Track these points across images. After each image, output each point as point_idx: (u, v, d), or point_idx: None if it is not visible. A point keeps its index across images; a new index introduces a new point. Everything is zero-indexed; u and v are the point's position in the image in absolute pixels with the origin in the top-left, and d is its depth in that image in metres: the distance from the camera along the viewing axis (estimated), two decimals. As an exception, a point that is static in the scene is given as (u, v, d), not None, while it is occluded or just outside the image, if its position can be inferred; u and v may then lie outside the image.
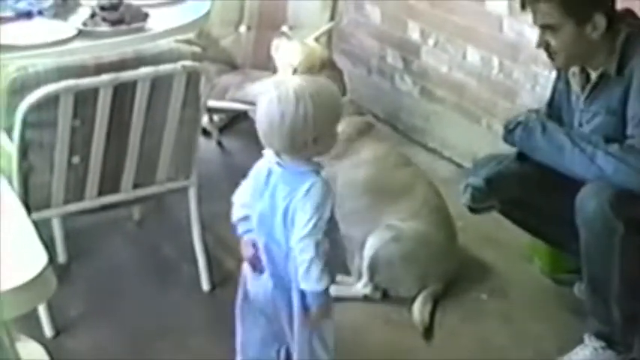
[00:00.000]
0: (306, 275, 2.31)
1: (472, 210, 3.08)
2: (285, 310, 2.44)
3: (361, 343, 3.03)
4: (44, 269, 1.76)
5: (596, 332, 2.83)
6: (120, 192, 3.10)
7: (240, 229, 2.51)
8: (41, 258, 1.79)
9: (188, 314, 3.16)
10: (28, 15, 3.43)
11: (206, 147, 3.86)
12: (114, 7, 3.38)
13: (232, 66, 4.30)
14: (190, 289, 3.29)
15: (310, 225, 2.27)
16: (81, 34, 3.30)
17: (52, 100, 2.76)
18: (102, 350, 3.01)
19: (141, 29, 3.37)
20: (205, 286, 3.29)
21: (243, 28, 4.34)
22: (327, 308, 2.43)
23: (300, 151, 2.31)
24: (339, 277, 3.25)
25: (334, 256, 2.42)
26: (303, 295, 2.38)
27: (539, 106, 3.20)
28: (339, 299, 3.17)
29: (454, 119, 4.36)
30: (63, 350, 2.98)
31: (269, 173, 2.37)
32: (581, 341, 2.87)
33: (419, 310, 3.17)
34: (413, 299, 3.20)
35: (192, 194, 3.23)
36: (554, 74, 3.08)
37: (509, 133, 2.95)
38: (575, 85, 2.90)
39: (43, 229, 2.03)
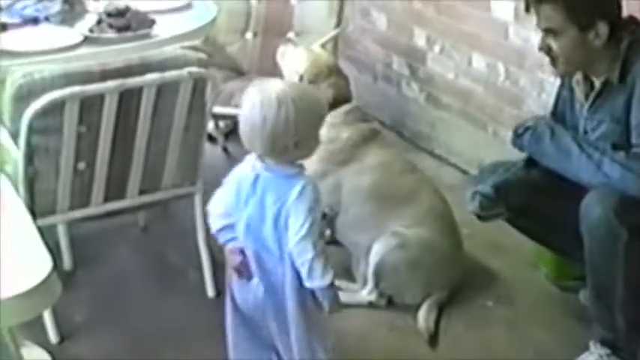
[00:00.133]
0: (311, 274, 2.34)
1: (480, 218, 3.07)
2: (276, 315, 2.47)
3: (366, 350, 3.03)
4: (49, 275, 1.77)
5: (601, 339, 2.83)
6: (125, 198, 3.11)
7: (222, 239, 2.52)
8: (46, 264, 1.79)
9: (193, 320, 3.15)
10: (34, 21, 3.44)
11: (212, 153, 3.86)
12: (120, 14, 3.39)
13: (238, 72, 4.30)
14: (195, 295, 3.29)
15: (306, 227, 2.31)
16: (87, 40, 3.31)
17: (57, 106, 2.77)
18: (107, 356, 3.01)
19: (147, 36, 3.38)
20: (210, 292, 3.29)
21: (249, 35, 4.35)
22: (337, 299, 2.46)
23: (281, 155, 2.35)
24: (344, 284, 3.26)
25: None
26: (301, 294, 2.40)
27: (545, 112, 3.20)
28: (344, 306, 3.19)
29: (460, 126, 4.36)
30: (68, 356, 2.99)
31: (255, 179, 2.39)
32: (586, 348, 2.87)
33: (424, 317, 3.16)
34: (418, 306, 3.20)
35: (197, 200, 3.23)
36: (559, 81, 3.08)
37: (517, 138, 2.95)
38: (579, 93, 2.90)
39: (48, 236, 2.03)
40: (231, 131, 4.57)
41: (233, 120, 4.51)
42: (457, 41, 4.26)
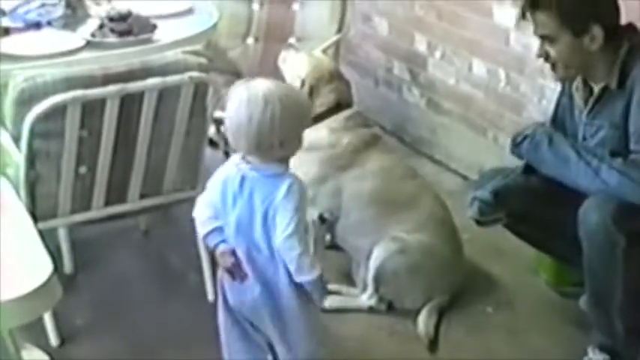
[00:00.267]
0: (299, 270, 2.38)
1: (479, 223, 3.07)
2: (272, 313, 2.48)
3: (366, 355, 3.03)
4: (49, 278, 1.77)
5: (600, 345, 2.83)
6: (126, 202, 3.11)
7: (211, 242, 2.53)
8: (47, 267, 1.80)
9: (193, 323, 3.15)
10: (37, 26, 3.45)
11: (213, 157, 3.85)
12: (122, 19, 3.39)
13: (239, 77, 4.29)
14: (196, 299, 3.29)
15: (293, 224, 2.34)
16: (89, 44, 3.32)
17: (59, 111, 2.78)
18: (107, 359, 3.02)
19: (149, 40, 3.38)
20: (211, 295, 3.29)
21: (250, 40, 4.36)
22: (326, 290, 2.53)
23: (266, 153, 2.37)
24: (344, 289, 3.27)
25: None
26: (294, 290, 2.43)
27: (546, 119, 3.20)
28: (344, 310, 3.20)
29: (460, 131, 4.36)
30: (68, 359, 2.99)
31: (242, 180, 2.40)
32: (585, 354, 2.87)
33: (424, 322, 3.16)
34: (418, 311, 3.20)
35: (198, 205, 3.24)
36: (559, 88, 3.08)
37: (516, 146, 2.96)
38: (578, 98, 2.91)
39: (49, 239, 2.04)
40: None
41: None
42: (458, 47, 4.27)
